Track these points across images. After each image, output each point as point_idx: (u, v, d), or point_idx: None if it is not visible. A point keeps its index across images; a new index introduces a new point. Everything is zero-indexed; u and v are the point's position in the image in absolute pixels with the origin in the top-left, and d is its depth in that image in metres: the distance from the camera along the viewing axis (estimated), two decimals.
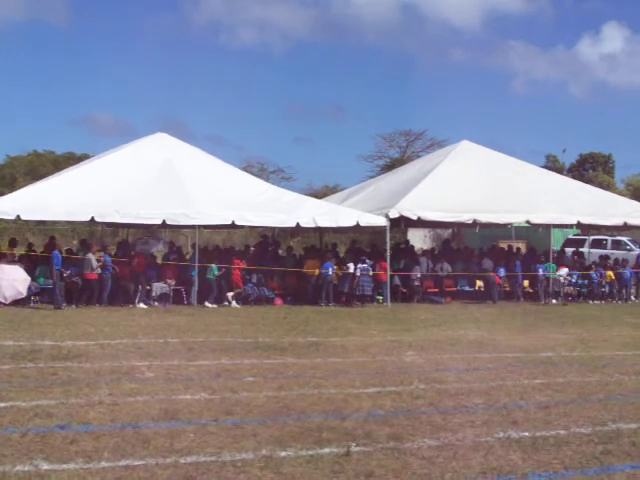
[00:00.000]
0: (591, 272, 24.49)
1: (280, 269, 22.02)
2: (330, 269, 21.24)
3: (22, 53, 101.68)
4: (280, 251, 25.27)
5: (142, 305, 19.52)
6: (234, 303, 20.50)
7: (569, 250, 29.72)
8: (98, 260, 19.76)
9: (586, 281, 24.42)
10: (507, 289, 23.95)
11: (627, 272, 24.56)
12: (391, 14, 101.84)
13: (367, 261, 21.48)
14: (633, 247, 32.68)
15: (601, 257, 27.17)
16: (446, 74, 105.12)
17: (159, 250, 24.73)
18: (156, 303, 19.99)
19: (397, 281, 22.66)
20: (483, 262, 23.54)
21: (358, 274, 20.97)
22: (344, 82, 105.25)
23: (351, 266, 21.28)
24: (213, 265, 20.43)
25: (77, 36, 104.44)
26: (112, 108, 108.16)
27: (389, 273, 21.66)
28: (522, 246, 31.92)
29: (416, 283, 22.63)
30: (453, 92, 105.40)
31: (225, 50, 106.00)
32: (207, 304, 19.94)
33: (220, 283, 20.57)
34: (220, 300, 20.44)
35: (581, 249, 29.59)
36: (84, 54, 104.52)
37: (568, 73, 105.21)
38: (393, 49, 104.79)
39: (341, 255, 24.63)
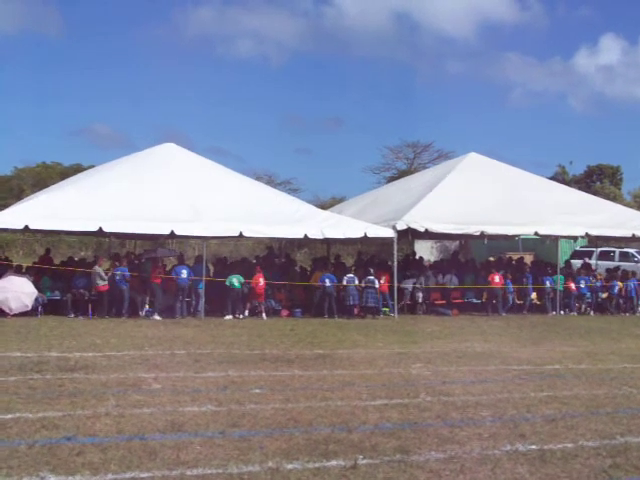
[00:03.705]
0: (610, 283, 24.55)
1: (289, 282, 22.07)
2: (328, 281, 21.25)
3: (16, 66, 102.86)
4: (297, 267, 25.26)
5: (156, 317, 19.55)
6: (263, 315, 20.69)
7: (578, 262, 29.70)
8: (106, 272, 19.86)
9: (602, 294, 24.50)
10: (519, 302, 23.84)
11: (632, 284, 24.45)
12: (387, 25, 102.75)
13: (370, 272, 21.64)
14: None
15: (609, 269, 27.08)
16: (445, 85, 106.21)
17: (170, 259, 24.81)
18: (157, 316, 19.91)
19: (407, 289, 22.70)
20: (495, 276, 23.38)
21: (350, 284, 21.21)
22: (343, 93, 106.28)
23: (346, 278, 21.38)
24: (234, 277, 20.51)
25: (73, 49, 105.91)
26: (111, 120, 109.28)
27: (396, 285, 21.63)
28: (529, 258, 31.87)
29: (419, 294, 22.63)
30: (453, 104, 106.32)
31: (222, 62, 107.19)
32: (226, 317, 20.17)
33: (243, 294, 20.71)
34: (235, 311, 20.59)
35: (589, 260, 29.56)
36: (81, 67, 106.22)
37: (568, 84, 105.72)
38: (391, 60, 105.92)
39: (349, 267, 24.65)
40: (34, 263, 22.06)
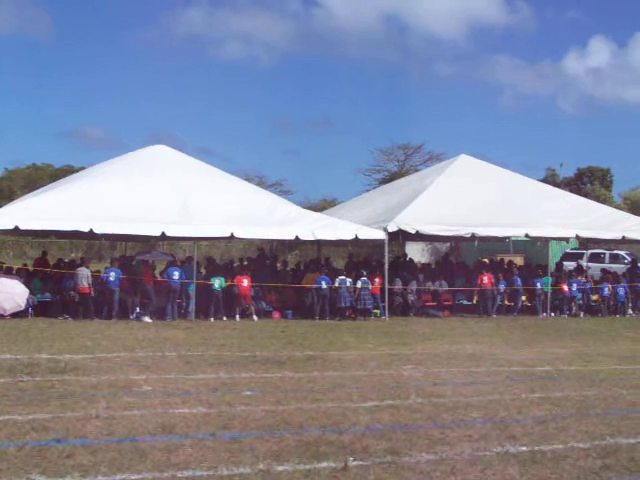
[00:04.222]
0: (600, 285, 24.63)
1: (281, 284, 22.03)
2: (324, 283, 21.23)
3: (6, 68, 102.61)
4: (278, 264, 25.19)
5: (147, 319, 19.44)
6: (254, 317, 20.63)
7: (568, 264, 29.78)
8: (97, 274, 19.79)
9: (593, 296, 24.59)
10: (510, 304, 23.89)
11: (621, 287, 24.53)
12: (376, 27, 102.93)
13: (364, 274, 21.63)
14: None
15: (603, 271, 27.13)
16: (435, 87, 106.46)
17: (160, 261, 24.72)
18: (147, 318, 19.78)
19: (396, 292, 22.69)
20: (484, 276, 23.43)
21: (342, 285, 21.20)
22: (333, 95, 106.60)
23: (338, 280, 21.37)
24: (216, 279, 20.44)
25: (63, 51, 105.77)
26: (100, 122, 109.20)
27: (387, 287, 21.62)
28: (520, 260, 31.96)
29: (411, 297, 22.65)
30: (444, 106, 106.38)
31: (212, 64, 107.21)
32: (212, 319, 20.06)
33: (224, 297, 20.58)
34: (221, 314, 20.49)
35: (580, 262, 29.65)
36: (71, 69, 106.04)
37: (558, 87, 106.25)
38: (380, 62, 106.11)
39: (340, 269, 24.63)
40: (24, 265, 21.97)
